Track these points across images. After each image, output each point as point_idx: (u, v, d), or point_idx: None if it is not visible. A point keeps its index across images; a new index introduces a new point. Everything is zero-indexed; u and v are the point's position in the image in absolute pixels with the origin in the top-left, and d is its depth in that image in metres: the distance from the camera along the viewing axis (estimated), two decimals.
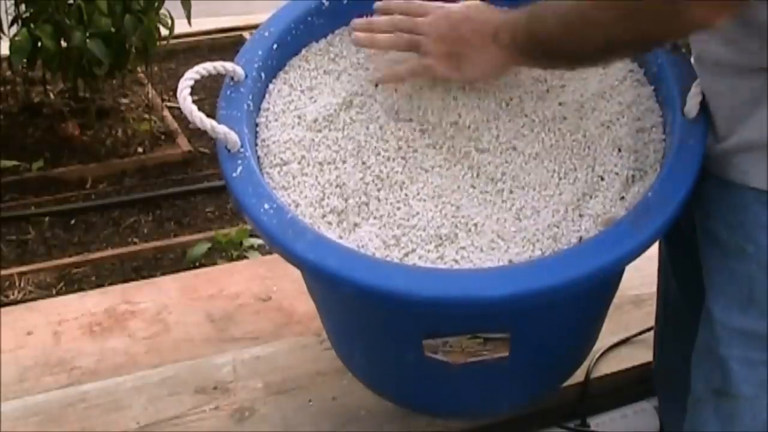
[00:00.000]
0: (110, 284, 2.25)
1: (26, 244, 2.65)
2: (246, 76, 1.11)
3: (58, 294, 2.33)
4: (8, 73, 3.07)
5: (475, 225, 1.00)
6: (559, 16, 0.96)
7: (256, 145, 1.09)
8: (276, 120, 1.11)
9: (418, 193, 1.04)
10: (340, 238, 1.00)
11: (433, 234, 1.00)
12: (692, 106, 1.01)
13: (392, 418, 1.27)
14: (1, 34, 2.88)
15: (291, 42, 1.18)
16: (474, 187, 1.04)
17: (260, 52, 1.14)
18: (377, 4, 1.15)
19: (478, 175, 1.05)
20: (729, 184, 0.98)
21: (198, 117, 1.01)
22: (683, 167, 0.98)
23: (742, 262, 0.97)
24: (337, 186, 1.04)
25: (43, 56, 2.78)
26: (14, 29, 2.83)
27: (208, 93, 2.32)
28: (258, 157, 1.08)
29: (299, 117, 1.11)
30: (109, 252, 2.60)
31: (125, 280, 2.28)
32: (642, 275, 1.34)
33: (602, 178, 1.04)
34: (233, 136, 1.03)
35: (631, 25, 0.90)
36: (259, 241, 2.38)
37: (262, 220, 0.98)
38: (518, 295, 0.93)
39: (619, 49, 0.97)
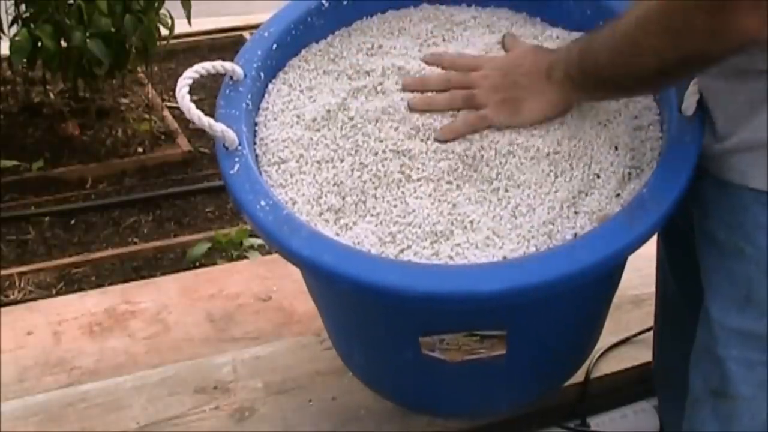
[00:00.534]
0: (110, 284, 2.26)
1: (26, 244, 2.66)
2: (245, 76, 1.11)
3: (58, 294, 2.34)
4: (8, 73, 3.08)
5: (471, 222, 1.01)
6: (609, 47, 0.95)
7: (255, 143, 1.09)
8: (275, 119, 1.12)
9: (415, 191, 1.04)
10: (337, 235, 1.00)
11: (429, 231, 1.00)
12: (689, 104, 1.01)
13: (392, 418, 1.27)
14: (1, 34, 2.88)
15: (291, 42, 1.18)
16: (470, 186, 1.04)
17: (259, 52, 1.14)
18: (427, 57, 1.15)
19: (474, 174, 1.05)
20: (728, 184, 0.98)
21: (196, 115, 1.01)
22: (679, 164, 0.98)
23: (740, 262, 0.97)
24: (334, 184, 1.05)
25: (43, 56, 2.79)
26: (14, 29, 2.84)
27: (207, 93, 2.32)
28: (256, 156, 1.08)
29: (298, 116, 1.11)
30: (109, 252, 2.60)
31: (125, 280, 2.28)
32: (642, 275, 1.34)
33: (598, 176, 1.04)
34: (231, 134, 1.04)
35: (681, 45, 0.88)
36: (259, 241, 2.38)
37: (259, 216, 0.99)
38: (513, 290, 0.93)
39: (672, 71, 0.94)
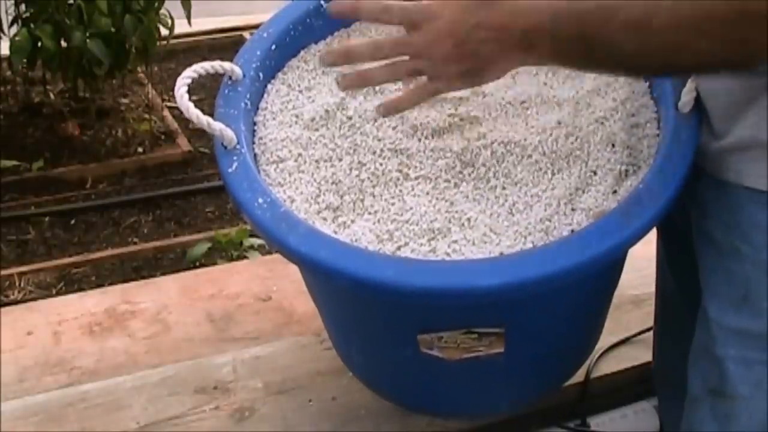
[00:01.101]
0: (110, 284, 2.26)
1: (26, 244, 2.66)
2: (244, 76, 1.11)
3: (58, 294, 2.34)
4: (8, 73, 3.08)
5: (469, 220, 1.01)
6: (639, 39, 0.82)
7: (254, 143, 1.10)
8: (273, 119, 1.12)
9: (413, 189, 1.04)
10: (335, 233, 1.01)
11: (426, 228, 1.00)
12: (686, 101, 1.01)
13: (392, 418, 1.27)
14: (1, 34, 2.89)
15: (290, 43, 1.18)
16: (467, 184, 1.04)
17: (258, 53, 1.14)
18: (333, 7, 0.96)
19: (471, 172, 1.05)
20: (725, 183, 0.98)
21: (194, 114, 1.02)
22: (676, 161, 0.98)
23: (737, 262, 0.97)
24: (332, 183, 1.05)
25: (43, 56, 2.79)
26: (14, 29, 2.84)
27: (207, 93, 2.33)
28: (255, 155, 1.08)
29: (297, 116, 1.12)
30: (109, 252, 2.61)
31: (125, 280, 2.28)
32: (642, 275, 1.34)
33: (595, 173, 1.04)
34: (229, 133, 1.04)
35: (736, 53, 0.81)
36: (259, 241, 2.38)
37: (256, 214, 0.99)
38: (510, 285, 0.93)
39: (709, 71, 0.86)
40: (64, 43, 2.78)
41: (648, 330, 1.36)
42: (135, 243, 2.69)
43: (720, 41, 0.81)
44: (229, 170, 1.03)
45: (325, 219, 1.02)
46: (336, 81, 0.98)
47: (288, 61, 1.18)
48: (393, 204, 1.03)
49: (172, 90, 1.07)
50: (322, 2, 1.19)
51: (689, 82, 1.01)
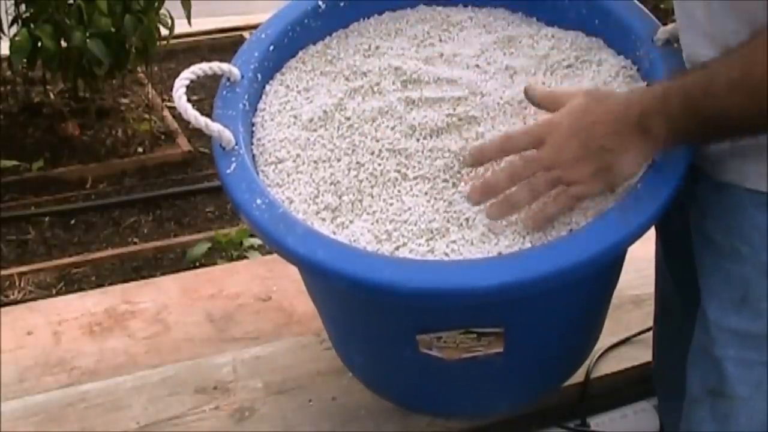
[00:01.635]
0: (110, 284, 2.26)
1: (26, 244, 2.66)
2: (242, 77, 1.11)
3: (58, 294, 2.34)
4: (8, 73, 3.08)
5: (467, 220, 1.01)
6: (743, 103, 0.85)
7: (252, 144, 1.10)
8: (272, 119, 1.12)
9: (411, 189, 1.04)
10: (333, 233, 1.01)
11: (425, 228, 1.00)
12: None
13: (392, 418, 1.27)
14: (1, 34, 2.89)
15: (288, 44, 1.18)
16: (466, 184, 1.04)
17: (257, 54, 1.14)
18: (470, 159, 1.01)
19: (470, 172, 1.05)
20: (725, 185, 0.98)
21: (192, 115, 1.02)
22: (673, 159, 0.98)
23: (736, 263, 0.97)
24: (331, 183, 1.05)
25: (43, 56, 2.79)
26: (14, 29, 2.84)
27: (207, 93, 2.33)
28: (253, 156, 1.08)
29: (295, 117, 1.12)
30: (109, 252, 2.61)
31: (125, 280, 2.28)
32: (642, 275, 1.34)
33: None
34: (227, 134, 1.04)
35: None
36: (259, 242, 2.38)
37: (254, 215, 0.99)
38: (508, 285, 0.93)
39: None
40: (64, 43, 2.78)
41: (648, 330, 1.36)
42: (135, 243, 2.69)
43: None
44: (228, 171, 1.03)
45: (323, 219, 1.02)
46: (486, 215, 0.99)
47: (286, 62, 1.18)
48: (391, 204, 1.03)
49: (172, 90, 1.07)
50: (320, 3, 1.19)
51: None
